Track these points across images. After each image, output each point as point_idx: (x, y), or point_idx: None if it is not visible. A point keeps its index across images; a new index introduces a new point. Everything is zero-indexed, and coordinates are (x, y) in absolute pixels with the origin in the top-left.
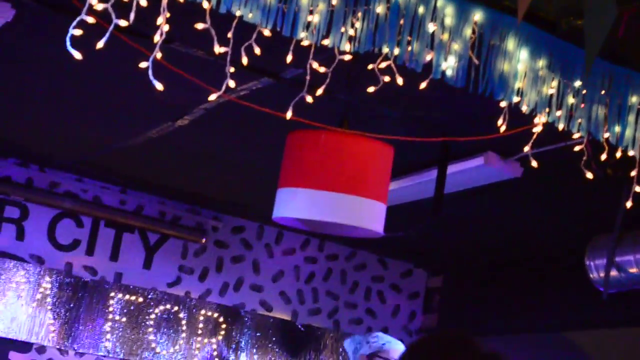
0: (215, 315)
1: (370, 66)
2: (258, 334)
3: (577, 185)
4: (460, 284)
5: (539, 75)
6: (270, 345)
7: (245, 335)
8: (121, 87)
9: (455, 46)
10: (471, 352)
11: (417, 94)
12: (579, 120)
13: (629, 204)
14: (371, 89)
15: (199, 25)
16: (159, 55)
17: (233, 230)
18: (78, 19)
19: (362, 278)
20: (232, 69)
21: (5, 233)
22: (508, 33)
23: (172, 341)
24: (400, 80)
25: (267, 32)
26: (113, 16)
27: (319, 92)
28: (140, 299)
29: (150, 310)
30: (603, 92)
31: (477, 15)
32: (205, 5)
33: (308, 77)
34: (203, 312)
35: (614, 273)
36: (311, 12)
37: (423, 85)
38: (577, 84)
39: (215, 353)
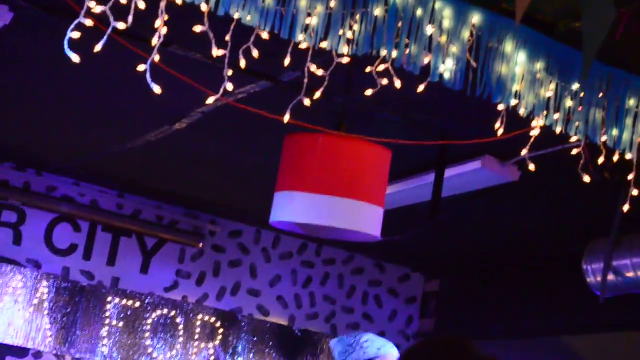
0: (212, 319)
1: (368, 69)
2: (255, 339)
3: (575, 189)
4: (458, 288)
5: (536, 78)
6: (267, 349)
7: (242, 339)
8: (119, 90)
9: (453, 49)
10: (468, 356)
11: (415, 96)
12: (577, 123)
13: (626, 208)
14: (369, 92)
15: (197, 28)
16: (156, 58)
17: (230, 235)
18: (76, 21)
19: (359, 282)
20: (229, 72)
21: (2, 237)
22: (506, 35)
23: (169, 346)
24: (398, 83)
25: (265, 35)
26: (111, 19)
27: (317, 95)
28: (137, 304)
29: (147, 315)
30: (601, 94)
31: (475, 18)
32: (204, 7)
33: (306, 80)
34: (200, 316)
35: (611, 277)
36: (309, 15)
37: (421, 88)
38: (575, 86)
39: (212, 358)
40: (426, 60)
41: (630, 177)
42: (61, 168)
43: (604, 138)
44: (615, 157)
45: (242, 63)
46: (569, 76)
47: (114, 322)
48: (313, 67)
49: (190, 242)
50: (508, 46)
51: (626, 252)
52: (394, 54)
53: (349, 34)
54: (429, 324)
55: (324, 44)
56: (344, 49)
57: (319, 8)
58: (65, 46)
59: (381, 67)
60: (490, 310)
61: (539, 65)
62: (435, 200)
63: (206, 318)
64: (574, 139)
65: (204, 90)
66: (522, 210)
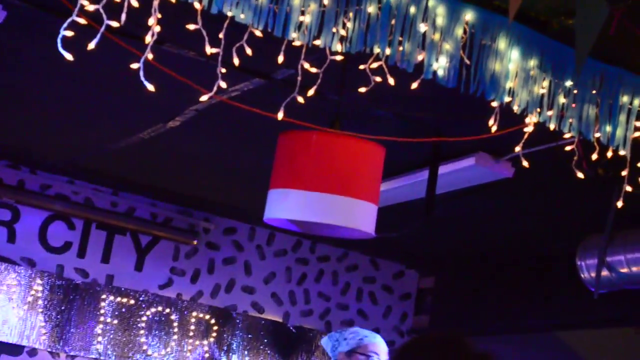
0: (207, 317)
1: (361, 66)
2: (250, 336)
3: (569, 185)
4: (452, 285)
5: (530, 75)
6: (261, 346)
7: (237, 337)
8: (113, 88)
9: (447, 46)
10: (463, 352)
11: (409, 94)
12: (570, 120)
13: (620, 204)
14: (363, 90)
15: (191, 26)
16: (150, 56)
17: (224, 232)
18: (69, 20)
19: (353, 279)
20: (223, 70)
21: None
22: (499, 33)
23: (164, 343)
24: (391, 81)
25: (258, 33)
26: (104, 17)
27: (311, 92)
28: (132, 301)
29: (142, 313)
30: (594, 91)
31: (468, 15)
32: (197, 5)
33: (299, 78)
34: (194, 314)
35: (605, 273)
36: (303, 13)
37: (414, 85)
38: (568, 83)
39: (207, 355)
40: (420, 57)
41: (624, 173)
42: (55, 166)
43: (597, 135)
44: (609, 154)
45: (236, 61)
46: (563, 73)
47: (108, 320)
48: (307, 65)
49: (184, 239)
50: (502, 43)
51: (620, 248)
52: (388, 51)
53: (342, 32)
54: (424, 321)
55: (317, 42)
56: (338, 46)
57: (313, 6)
58: (59, 44)
59: (375, 65)
60: (485, 306)
61: (532, 63)
62: (429, 197)
63: (201, 315)
64: (567, 135)
65: (197, 88)
66: (516, 207)
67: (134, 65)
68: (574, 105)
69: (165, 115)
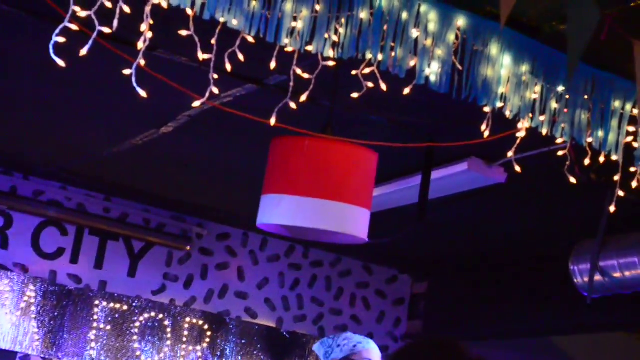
0: (200, 322)
1: (354, 72)
2: (243, 341)
3: (561, 190)
4: (445, 290)
5: (522, 81)
6: (255, 352)
7: (230, 342)
8: (105, 94)
9: (439, 52)
10: (457, 357)
11: (401, 99)
12: (563, 125)
13: (612, 209)
14: (355, 95)
15: (183, 32)
16: (142, 62)
17: (218, 238)
18: (61, 26)
19: (347, 284)
20: (215, 76)
21: None
22: (491, 38)
23: (157, 349)
24: (384, 86)
25: (250, 39)
26: (96, 23)
27: (303, 98)
28: (125, 307)
29: (135, 318)
30: (586, 96)
31: (461, 21)
32: (189, 12)
33: (292, 84)
34: (188, 319)
35: (598, 278)
36: (295, 19)
37: (407, 91)
38: (560, 88)
39: None
40: (412, 63)
41: (617, 178)
42: (48, 172)
43: (589, 140)
44: (602, 159)
45: (228, 67)
46: (555, 78)
47: (101, 326)
48: (299, 71)
49: (177, 245)
50: (493, 49)
51: (613, 253)
52: (380, 57)
53: (334, 38)
54: (417, 326)
55: (309, 48)
56: (330, 52)
57: (305, 12)
58: (51, 50)
59: (367, 71)
60: (479, 311)
61: (524, 68)
62: (422, 203)
63: (194, 321)
64: (560, 140)
65: (190, 94)
66: (509, 212)
67: (127, 71)
68: (566, 110)
69: (158, 121)
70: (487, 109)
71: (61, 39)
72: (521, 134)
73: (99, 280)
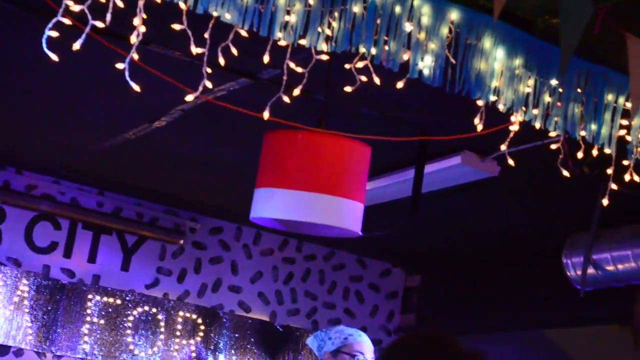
0: (194, 316)
1: (347, 66)
2: (236, 335)
3: (555, 184)
4: (439, 283)
5: (515, 74)
6: (248, 346)
7: (224, 336)
8: (98, 88)
9: (432, 45)
10: (450, 350)
11: (395, 93)
12: (556, 119)
13: (605, 202)
14: (348, 89)
15: (176, 26)
16: (135, 56)
17: (211, 232)
18: (54, 20)
19: (340, 278)
20: (209, 70)
21: None
22: (484, 32)
23: (151, 343)
24: (377, 80)
25: (244, 33)
26: (89, 17)
27: (296, 92)
28: (118, 301)
29: (129, 312)
30: (579, 90)
31: (454, 15)
32: (182, 6)
33: (285, 78)
34: (181, 313)
35: (591, 271)
36: (288, 12)
37: (400, 84)
38: (554, 82)
39: (193, 354)
40: (405, 57)
41: (610, 171)
42: (41, 167)
43: (583, 133)
44: (595, 152)
45: (222, 61)
46: (548, 72)
47: (95, 320)
48: (292, 65)
49: (171, 239)
50: (487, 43)
51: (606, 246)
52: (373, 51)
53: (328, 32)
54: (411, 319)
55: (303, 42)
56: (323, 46)
57: (298, 6)
58: (44, 45)
59: (360, 64)
60: (472, 304)
61: (517, 62)
62: (415, 196)
63: (187, 315)
64: (553, 134)
65: (183, 88)
66: (502, 206)
67: (120, 66)
68: (559, 103)
69: (151, 115)
70: (480, 103)
71: (54, 34)
72: (514, 128)
73: (92, 274)
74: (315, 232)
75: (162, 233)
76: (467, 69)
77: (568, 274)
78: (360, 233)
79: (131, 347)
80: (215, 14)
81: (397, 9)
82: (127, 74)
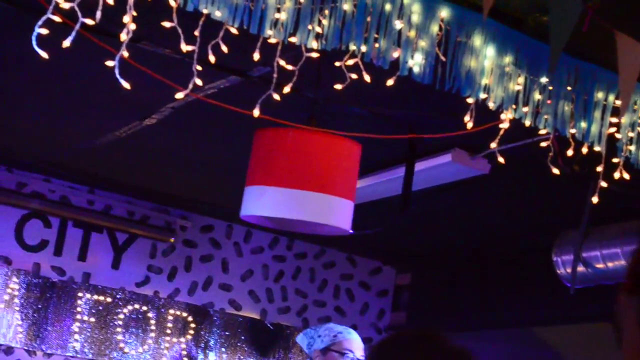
0: (184, 314)
1: (337, 63)
2: (227, 333)
3: (545, 182)
4: (429, 281)
5: (505, 72)
6: (239, 344)
7: (214, 334)
8: (88, 86)
9: (422, 43)
10: (441, 348)
11: (385, 91)
12: (546, 117)
13: (595, 200)
14: (339, 87)
15: (166, 24)
16: (125, 54)
17: (202, 230)
18: (44, 17)
19: (330, 276)
20: (199, 68)
21: None
22: (474, 30)
23: (141, 341)
24: (367, 78)
25: (234, 30)
26: (79, 15)
27: (287, 89)
28: (109, 299)
29: (119, 310)
30: (569, 88)
31: (444, 12)
32: (172, 3)
33: (275, 75)
34: (172, 311)
35: (581, 269)
36: (278, 10)
37: (390, 82)
38: (544, 80)
39: (184, 352)
40: (395, 54)
41: (599, 169)
42: (31, 165)
43: (572, 131)
44: (585, 150)
45: (212, 58)
46: (538, 70)
47: (85, 318)
48: (283, 62)
49: (161, 237)
50: (477, 40)
51: (596, 244)
52: (364, 48)
53: (318, 29)
54: (401, 317)
55: (293, 39)
56: (314, 44)
57: (288, 3)
58: (34, 42)
59: (351, 62)
60: (462, 302)
61: (507, 59)
62: (405, 194)
63: (178, 313)
64: (543, 131)
65: (173, 85)
66: (492, 203)
67: (110, 63)
68: (549, 101)
69: (142, 113)
70: (470, 100)
71: (44, 31)
72: (504, 125)
73: (82, 272)
74: (306, 230)
75: (152, 231)
76: (457, 67)
77: (558, 271)
78: (351, 231)
79: (121, 345)
80: (205, 11)
81: (387, 7)
82: (117, 71)
